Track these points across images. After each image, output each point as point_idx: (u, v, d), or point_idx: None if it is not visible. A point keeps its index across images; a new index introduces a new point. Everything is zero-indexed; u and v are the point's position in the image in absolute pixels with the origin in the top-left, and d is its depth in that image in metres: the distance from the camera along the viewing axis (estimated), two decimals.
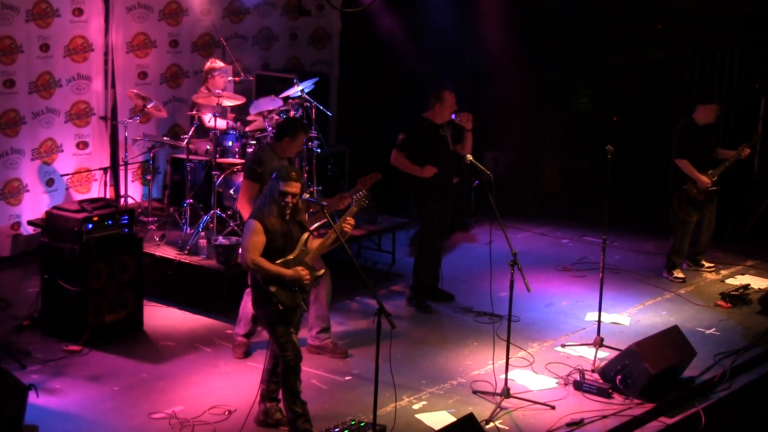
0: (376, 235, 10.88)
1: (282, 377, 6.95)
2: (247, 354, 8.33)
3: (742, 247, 11.64)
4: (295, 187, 6.84)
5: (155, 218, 10.54)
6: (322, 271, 7.16)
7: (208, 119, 10.35)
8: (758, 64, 12.63)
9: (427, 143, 9.22)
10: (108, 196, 10.60)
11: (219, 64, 10.73)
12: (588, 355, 8.47)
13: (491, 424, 7.24)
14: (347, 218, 7.15)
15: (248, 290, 8.01)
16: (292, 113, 10.64)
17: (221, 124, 10.36)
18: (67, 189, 10.95)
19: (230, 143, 10.30)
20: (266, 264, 6.81)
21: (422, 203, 9.38)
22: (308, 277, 6.92)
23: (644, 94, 13.65)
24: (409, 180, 9.34)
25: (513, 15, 13.60)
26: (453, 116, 9.21)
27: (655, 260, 10.92)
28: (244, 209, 8.06)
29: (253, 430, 7.13)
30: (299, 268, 6.88)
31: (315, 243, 7.10)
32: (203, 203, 10.30)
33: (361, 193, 7.41)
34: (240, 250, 7.41)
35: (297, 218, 7.02)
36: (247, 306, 8.15)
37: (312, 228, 7.23)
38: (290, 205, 6.86)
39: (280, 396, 7.07)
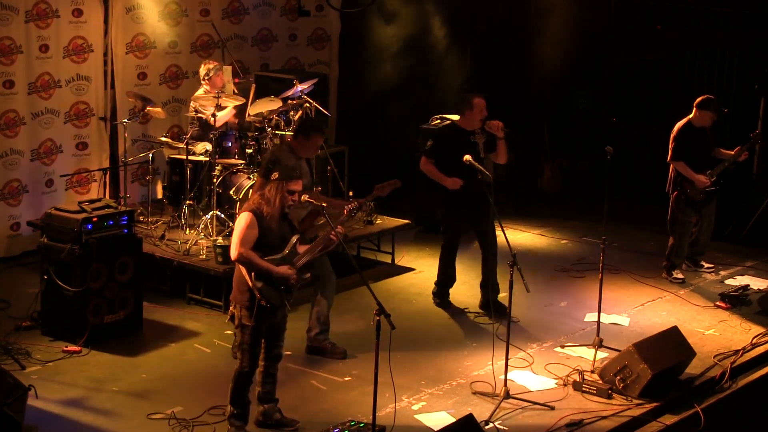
0: (376, 236, 10.88)
1: (234, 377, 6.94)
2: None
3: (742, 247, 11.65)
4: (300, 186, 6.92)
5: (155, 219, 10.55)
6: (309, 275, 7.09)
7: (210, 113, 10.30)
8: (758, 64, 12.62)
9: (456, 150, 8.90)
10: (107, 197, 10.59)
11: (213, 63, 10.72)
12: (587, 355, 8.47)
13: (491, 425, 7.24)
14: (336, 226, 7.21)
15: None
16: (291, 113, 10.68)
17: (223, 118, 10.31)
18: (66, 190, 10.95)
19: (230, 144, 10.31)
20: (256, 258, 6.75)
21: (446, 209, 9.39)
22: (295, 277, 6.89)
23: (644, 94, 13.64)
24: (436, 185, 9.27)
25: (512, 14, 13.62)
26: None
27: (654, 261, 10.91)
28: None
29: (252, 430, 7.13)
30: (287, 267, 6.85)
31: (303, 247, 7.09)
32: (202, 204, 10.31)
33: (353, 204, 7.43)
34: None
35: (290, 218, 7.02)
36: None
37: (316, 224, 7.19)
38: (294, 203, 6.90)
39: (277, 396, 7.09)
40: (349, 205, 7.47)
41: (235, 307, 6.92)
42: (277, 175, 6.89)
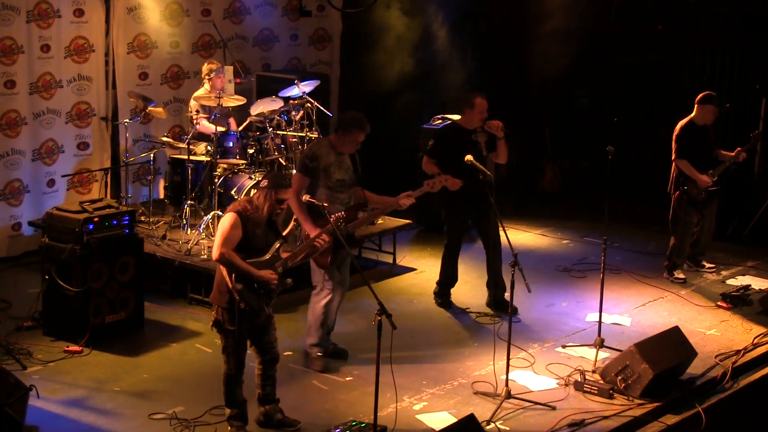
0: (377, 236, 10.88)
1: (223, 381, 6.96)
2: (325, 368, 8.13)
3: (743, 247, 11.65)
4: (289, 194, 6.89)
5: (156, 219, 10.55)
6: (290, 280, 7.03)
7: (200, 126, 10.38)
8: (758, 65, 12.62)
9: (457, 149, 8.92)
10: (109, 197, 10.60)
11: (216, 65, 10.74)
12: (589, 355, 8.47)
13: (492, 425, 7.24)
14: (323, 235, 7.22)
15: (314, 292, 8.02)
16: (293, 114, 10.68)
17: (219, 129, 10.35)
18: (67, 190, 10.95)
19: (231, 144, 10.31)
20: (237, 260, 6.70)
21: (448, 208, 9.40)
22: (276, 282, 6.86)
23: (644, 94, 13.65)
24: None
25: (512, 14, 13.62)
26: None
27: (655, 261, 10.91)
28: (291, 202, 7.76)
29: (254, 430, 7.13)
30: (269, 272, 6.81)
31: (286, 253, 7.07)
32: (204, 204, 10.31)
33: (342, 212, 7.40)
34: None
35: (276, 225, 7.01)
36: (315, 310, 8.07)
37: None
38: (283, 211, 6.88)
39: (279, 396, 7.08)
40: (338, 213, 7.45)
41: (216, 310, 6.90)
42: (267, 183, 6.86)
